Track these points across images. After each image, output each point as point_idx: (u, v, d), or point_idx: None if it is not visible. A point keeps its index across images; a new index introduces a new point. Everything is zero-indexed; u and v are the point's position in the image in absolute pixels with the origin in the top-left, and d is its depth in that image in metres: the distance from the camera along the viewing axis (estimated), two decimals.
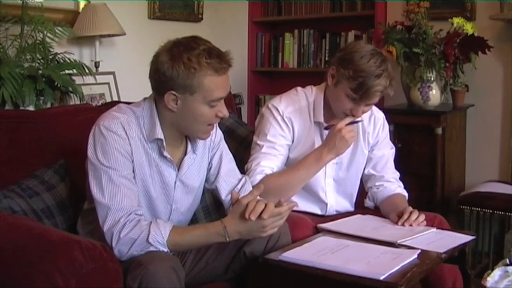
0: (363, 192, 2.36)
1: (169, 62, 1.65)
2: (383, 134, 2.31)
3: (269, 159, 2.14)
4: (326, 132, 2.20)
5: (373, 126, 2.29)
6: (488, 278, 1.77)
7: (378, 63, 1.99)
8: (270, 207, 1.63)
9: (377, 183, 2.30)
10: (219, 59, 1.67)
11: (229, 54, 1.71)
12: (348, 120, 2.07)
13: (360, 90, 1.99)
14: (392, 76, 2.06)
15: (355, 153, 2.28)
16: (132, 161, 1.73)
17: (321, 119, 2.18)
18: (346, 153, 2.26)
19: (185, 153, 1.86)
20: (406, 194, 2.31)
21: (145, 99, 1.81)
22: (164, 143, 1.76)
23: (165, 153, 1.78)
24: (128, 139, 1.71)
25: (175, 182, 1.84)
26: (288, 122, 2.18)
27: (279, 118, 2.17)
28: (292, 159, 2.21)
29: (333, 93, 2.11)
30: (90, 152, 1.70)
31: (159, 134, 1.75)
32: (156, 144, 1.77)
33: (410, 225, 2.01)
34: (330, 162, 2.23)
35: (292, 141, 2.20)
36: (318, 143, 2.21)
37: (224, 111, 1.74)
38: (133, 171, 1.74)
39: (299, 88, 2.27)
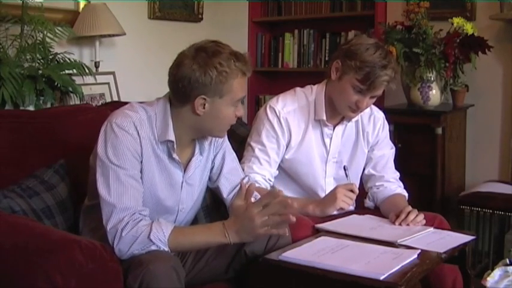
0: (363, 192, 2.36)
1: (202, 69, 1.68)
2: (383, 134, 2.32)
3: (261, 165, 2.16)
4: (326, 130, 2.20)
5: (373, 126, 2.29)
6: (488, 278, 1.77)
7: (383, 54, 2.04)
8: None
9: (377, 183, 2.31)
10: (245, 61, 1.73)
11: (248, 55, 1.78)
12: (351, 187, 2.12)
13: (367, 80, 2.02)
14: (397, 69, 2.12)
15: (355, 152, 2.29)
16: (141, 162, 1.74)
17: (323, 117, 2.19)
18: (346, 152, 2.27)
19: (192, 155, 1.87)
20: (406, 194, 2.31)
21: (158, 99, 1.81)
22: (175, 145, 1.77)
23: (174, 155, 1.79)
24: (139, 139, 1.72)
25: (182, 183, 1.85)
26: (284, 123, 2.18)
27: (274, 120, 2.18)
28: (288, 159, 2.22)
29: (337, 87, 2.12)
30: (100, 149, 1.70)
31: (171, 136, 1.76)
32: (166, 145, 1.78)
33: (408, 224, 2.01)
34: (330, 161, 2.23)
35: (289, 142, 2.20)
36: (317, 142, 2.22)
37: (241, 111, 1.81)
38: (141, 172, 1.74)
39: (298, 88, 2.28)
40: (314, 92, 2.23)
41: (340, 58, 2.10)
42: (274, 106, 2.20)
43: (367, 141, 2.29)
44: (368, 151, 2.31)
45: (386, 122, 2.34)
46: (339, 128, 2.24)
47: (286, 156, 2.22)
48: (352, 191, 2.13)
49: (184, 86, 1.70)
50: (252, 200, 1.72)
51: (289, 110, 2.20)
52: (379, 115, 2.32)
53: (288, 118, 2.19)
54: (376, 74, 2.01)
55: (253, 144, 2.20)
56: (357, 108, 2.10)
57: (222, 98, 1.72)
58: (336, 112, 2.20)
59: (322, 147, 2.24)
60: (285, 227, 1.72)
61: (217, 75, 1.68)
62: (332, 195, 2.13)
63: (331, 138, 2.24)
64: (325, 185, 2.26)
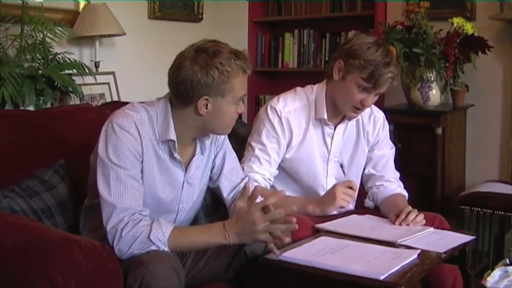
0: (363, 192, 2.36)
1: (203, 69, 1.67)
2: (383, 134, 2.32)
3: (261, 165, 2.17)
4: (327, 129, 2.21)
5: (373, 125, 2.30)
6: (488, 278, 1.77)
7: (385, 52, 2.06)
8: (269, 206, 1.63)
9: (377, 183, 2.31)
10: (245, 59, 1.73)
11: (247, 52, 1.78)
12: (350, 184, 2.12)
13: (373, 78, 2.03)
14: (397, 66, 2.14)
15: (356, 152, 2.29)
16: (142, 162, 1.74)
17: (325, 116, 2.19)
18: (347, 152, 2.27)
19: (193, 155, 1.87)
20: (406, 194, 2.31)
21: (159, 99, 1.81)
22: (176, 145, 1.77)
23: (176, 155, 1.79)
24: (140, 139, 1.72)
25: (183, 183, 1.85)
26: (285, 123, 2.19)
27: (275, 120, 2.18)
28: (288, 159, 2.22)
29: (340, 87, 2.12)
30: (100, 149, 1.70)
31: (172, 135, 1.76)
32: (167, 145, 1.78)
33: (408, 224, 2.01)
34: (331, 160, 2.24)
35: (290, 142, 2.21)
36: (318, 141, 2.23)
37: (242, 107, 1.81)
38: (142, 172, 1.74)
39: (298, 88, 2.29)
40: (314, 92, 2.24)
41: (342, 58, 2.10)
42: (275, 106, 2.20)
43: (367, 140, 2.30)
44: (368, 151, 2.31)
45: (386, 121, 2.35)
46: (340, 127, 2.25)
47: (287, 156, 2.22)
48: (351, 188, 2.13)
49: (187, 87, 1.70)
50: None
51: (290, 109, 2.20)
52: (379, 115, 2.33)
53: (289, 118, 2.19)
54: (381, 71, 2.03)
55: (253, 143, 2.20)
56: (361, 107, 2.11)
57: (224, 97, 1.72)
58: (337, 111, 2.20)
59: (324, 146, 2.25)
60: (288, 234, 1.73)
61: (219, 75, 1.68)
62: (331, 193, 2.13)
63: (332, 138, 2.24)
64: (327, 184, 2.26)
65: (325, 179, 2.26)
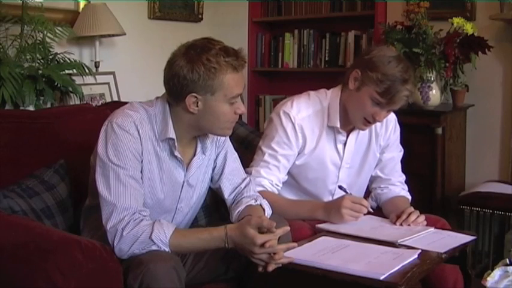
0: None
1: (189, 65, 1.66)
2: (394, 136, 2.28)
3: (270, 170, 2.12)
4: (340, 137, 2.17)
5: (385, 128, 2.25)
6: (488, 278, 1.77)
7: (405, 68, 1.98)
8: (272, 242, 1.62)
9: (382, 185, 2.29)
10: (236, 56, 1.70)
11: (243, 51, 1.75)
12: (359, 200, 2.02)
13: (388, 94, 1.97)
14: (415, 83, 2.03)
15: (367, 157, 2.24)
16: (142, 161, 1.73)
17: (337, 124, 2.13)
18: (358, 157, 2.22)
19: (194, 154, 1.86)
20: (409, 196, 2.29)
21: (157, 98, 1.81)
22: (176, 143, 1.76)
23: (176, 153, 1.78)
24: (140, 138, 1.72)
25: (183, 183, 1.85)
26: (299, 130, 2.12)
27: (288, 126, 2.12)
28: (298, 165, 2.17)
29: (354, 97, 2.06)
30: (100, 149, 1.70)
31: (171, 134, 1.75)
32: (167, 143, 1.78)
33: (408, 225, 2.00)
34: (344, 167, 2.20)
35: (302, 149, 2.15)
36: (330, 148, 2.17)
37: (242, 108, 1.77)
38: (141, 172, 1.74)
39: (312, 92, 2.21)
40: (328, 97, 2.16)
41: (360, 68, 2.03)
42: (288, 111, 2.13)
43: (379, 145, 2.25)
44: (379, 154, 2.27)
45: (397, 124, 2.29)
46: (353, 135, 2.19)
47: (298, 162, 2.17)
48: (361, 204, 2.02)
49: (175, 84, 1.69)
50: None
51: (303, 116, 2.13)
52: (391, 117, 2.25)
53: (303, 124, 2.13)
54: (397, 88, 1.96)
55: (264, 148, 2.15)
56: (372, 121, 2.05)
57: (214, 95, 1.70)
58: (349, 120, 2.13)
59: (336, 153, 2.18)
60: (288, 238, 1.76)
61: (205, 72, 1.66)
62: (337, 207, 2.01)
63: (344, 145, 2.18)
64: (335, 190, 2.21)
65: (335, 184, 2.20)
